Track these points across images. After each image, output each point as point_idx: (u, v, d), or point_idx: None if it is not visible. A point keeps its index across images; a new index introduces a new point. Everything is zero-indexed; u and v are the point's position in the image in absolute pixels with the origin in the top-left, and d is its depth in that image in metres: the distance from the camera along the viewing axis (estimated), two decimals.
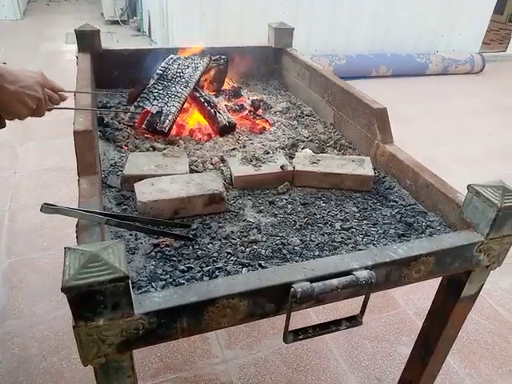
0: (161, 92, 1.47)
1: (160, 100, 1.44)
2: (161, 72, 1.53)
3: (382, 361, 1.79)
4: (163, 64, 1.55)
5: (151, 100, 1.45)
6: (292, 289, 0.76)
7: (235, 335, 1.83)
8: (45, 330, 1.78)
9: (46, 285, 2.00)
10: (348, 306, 1.96)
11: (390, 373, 1.73)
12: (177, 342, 1.77)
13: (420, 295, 2.11)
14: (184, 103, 1.48)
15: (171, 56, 1.59)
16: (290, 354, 1.78)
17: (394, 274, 0.88)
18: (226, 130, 1.50)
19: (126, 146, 1.38)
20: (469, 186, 0.95)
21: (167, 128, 1.39)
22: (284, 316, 0.82)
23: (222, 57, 1.69)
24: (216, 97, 1.64)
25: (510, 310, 2.07)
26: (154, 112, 1.41)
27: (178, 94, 1.45)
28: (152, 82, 1.51)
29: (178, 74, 1.52)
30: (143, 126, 1.40)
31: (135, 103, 1.45)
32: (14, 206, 2.51)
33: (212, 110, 1.52)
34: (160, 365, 1.68)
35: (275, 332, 1.85)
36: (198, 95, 1.58)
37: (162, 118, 1.40)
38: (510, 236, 0.96)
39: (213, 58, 1.65)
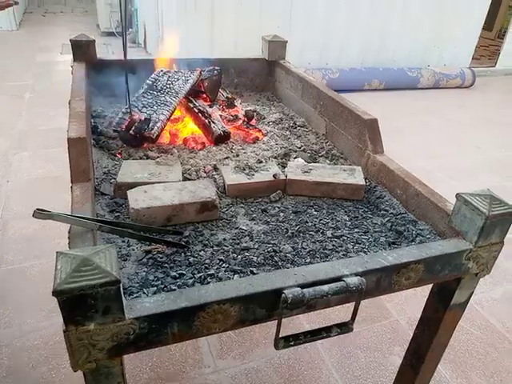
0: (150, 101, 1.49)
1: (149, 108, 1.46)
2: (150, 83, 1.55)
3: (375, 371, 1.78)
4: (153, 75, 1.57)
5: (140, 107, 1.47)
6: (283, 294, 0.77)
7: (227, 345, 1.82)
8: (35, 340, 1.76)
9: (36, 294, 1.98)
10: (341, 317, 1.96)
11: (382, 383, 1.73)
12: (168, 352, 1.76)
13: (412, 305, 2.11)
14: (173, 112, 1.50)
15: (161, 69, 1.61)
16: (282, 363, 1.77)
17: (384, 280, 0.89)
18: (221, 139, 1.52)
19: (119, 154, 1.39)
20: (457, 194, 0.97)
21: (155, 135, 1.40)
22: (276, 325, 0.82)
23: (216, 68, 1.71)
24: (210, 107, 1.66)
25: (502, 320, 2.08)
26: (143, 119, 1.42)
27: (167, 103, 1.47)
28: (141, 91, 1.53)
29: (167, 86, 1.54)
30: (131, 131, 1.41)
31: (123, 109, 1.46)
32: (6, 214, 2.50)
33: (206, 120, 1.54)
34: (151, 374, 1.67)
35: (267, 342, 1.85)
36: (192, 106, 1.60)
37: (151, 124, 1.41)
38: (497, 244, 0.98)
39: (207, 69, 1.68)
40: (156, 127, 1.40)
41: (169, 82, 1.55)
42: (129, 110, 1.44)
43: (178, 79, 1.56)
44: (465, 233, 0.97)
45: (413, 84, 5.30)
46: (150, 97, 1.50)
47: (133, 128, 1.41)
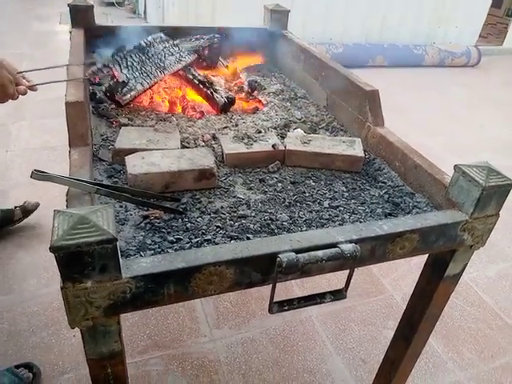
0: (135, 64, 1.43)
1: (130, 72, 1.40)
2: (144, 45, 1.48)
3: (368, 343, 1.82)
4: (150, 38, 1.50)
5: (122, 67, 1.41)
6: (278, 259, 0.78)
7: (224, 315, 1.85)
8: (34, 306, 1.79)
9: (35, 262, 2.00)
10: None
11: (374, 355, 1.77)
12: (165, 321, 1.79)
13: (408, 281, 2.14)
14: (152, 86, 1.45)
15: (161, 35, 1.56)
16: (277, 334, 1.80)
17: (378, 249, 0.90)
18: (227, 106, 1.50)
19: (116, 121, 1.38)
20: (455, 165, 0.97)
21: (125, 102, 1.36)
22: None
23: (216, 36, 1.68)
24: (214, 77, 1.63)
25: (495, 297, 2.11)
26: (120, 80, 1.38)
27: (150, 76, 1.42)
28: (130, 49, 1.46)
29: (159, 57, 1.48)
30: (102, 87, 1.37)
31: (105, 62, 1.42)
32: (5, 184, 2.50)
33: (209, 91, 1.51)
34: (148, 342, 1.70)
35: (263, 313, 1.88)
36: (192, 77, 1.57)
37: (125, 89, 1.37)
38: (493, 216, 0.98)
39: (207, 37, 1.65)
40: (129, 95, 1.36)
41: (162, 52, 1.49)
42: (109, 65, 1.39)
43: (172, 54, 1.50)
44: (461, 204, 0.97)
45: (417, 61, 5.23)
46: (136, 59, 1.43)
47: (106, 85, 1.37)
